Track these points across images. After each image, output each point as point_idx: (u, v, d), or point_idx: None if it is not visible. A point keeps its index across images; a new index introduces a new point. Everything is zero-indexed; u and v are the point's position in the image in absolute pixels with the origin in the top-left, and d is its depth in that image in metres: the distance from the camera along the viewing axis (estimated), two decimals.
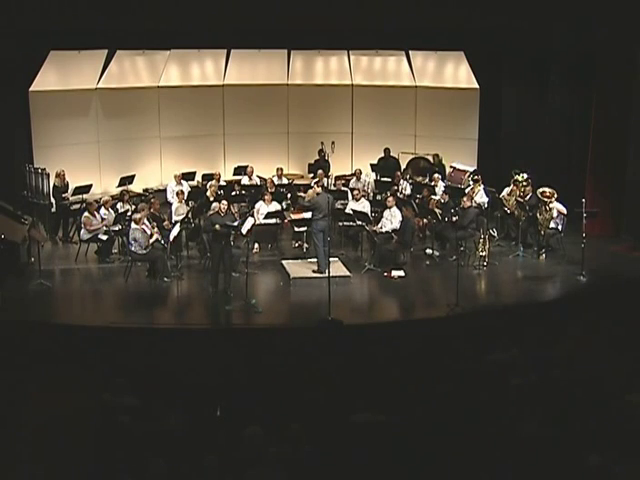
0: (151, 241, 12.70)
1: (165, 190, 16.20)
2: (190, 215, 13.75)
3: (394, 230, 13.48)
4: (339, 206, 14.65)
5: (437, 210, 14.28)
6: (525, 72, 16.55)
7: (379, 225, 13.78)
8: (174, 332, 11.33)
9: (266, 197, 14.45)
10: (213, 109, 18.41)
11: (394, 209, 13.66)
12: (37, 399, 8.23)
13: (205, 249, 13.49)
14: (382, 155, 17.65)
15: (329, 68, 18.96)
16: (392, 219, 13.59)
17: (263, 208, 14.35)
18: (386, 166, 17.42)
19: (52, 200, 14.94)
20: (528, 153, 16.01)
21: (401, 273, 13.12)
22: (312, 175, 17.05)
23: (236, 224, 12.28)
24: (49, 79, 15.99)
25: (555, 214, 13.93)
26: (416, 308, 12.61)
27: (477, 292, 12.93)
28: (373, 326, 11.63)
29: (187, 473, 6.63)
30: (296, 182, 16.92)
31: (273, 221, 14.31)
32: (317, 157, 17.76)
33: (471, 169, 16.16)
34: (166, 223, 13.55)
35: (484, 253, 13.56)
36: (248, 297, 11.85)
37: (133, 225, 12.74)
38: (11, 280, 12.50)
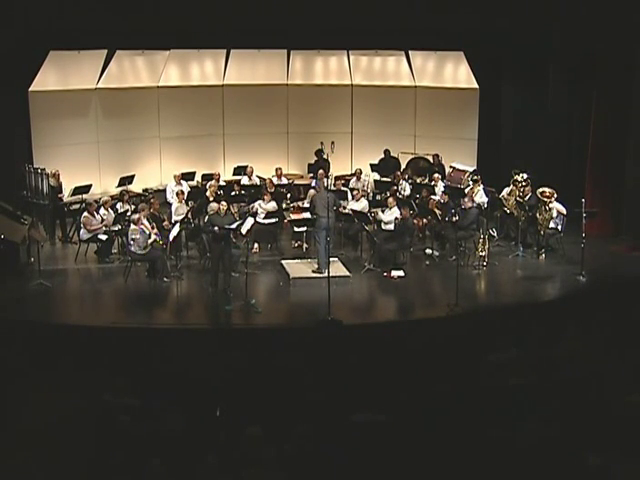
0: (150, 241, 12.70)
1: (165, 190, 16.19)
2: (190, 215, 13.75)
3: (390, 225, 13.52)
4: None
5: (437, 210, 14.28)
6: (525, 72, 16.53)
7: (379, 213, 13.82)
8: (174, 332, 11.33)
9: (265, 197, 14.45)
10: (213, 109, 18.41)
11: (394, 209, 13.68)
12: (37, 399, 8.22)
13: (205, 249, 13.49)
14: (382, 157, 17.65)
15: (329, 68, 18.96)
16: (391, 217, 13.63)
17: (262, 207, 14.34)
18: (386, 166, 17.42)
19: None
20: (528, 153, 15.99)
21: (401, 273, 13.12)
22: (312, 175, 17.05)
23: (235, 226, 12.27)
24: (49, 79, 16.00)
25: (555, 214, 13.93)
26: (416, 308, 12.61)
27: (477, 292, 12.93)
28: (373, 326, 11.63)
29: (187, 473, 6.62)
30: (296, 182, 16.91)
31: (273, 221, 14.32)
32: (316, 157, 17.73)
33: (471, 169, 16.16)
34: (166, 223, 13.56)
35: (484, 253, 13.56)
36: (248, 297, 11.85)
37: (132, 225, 12.75)
38: (11, 280, 12.51)
